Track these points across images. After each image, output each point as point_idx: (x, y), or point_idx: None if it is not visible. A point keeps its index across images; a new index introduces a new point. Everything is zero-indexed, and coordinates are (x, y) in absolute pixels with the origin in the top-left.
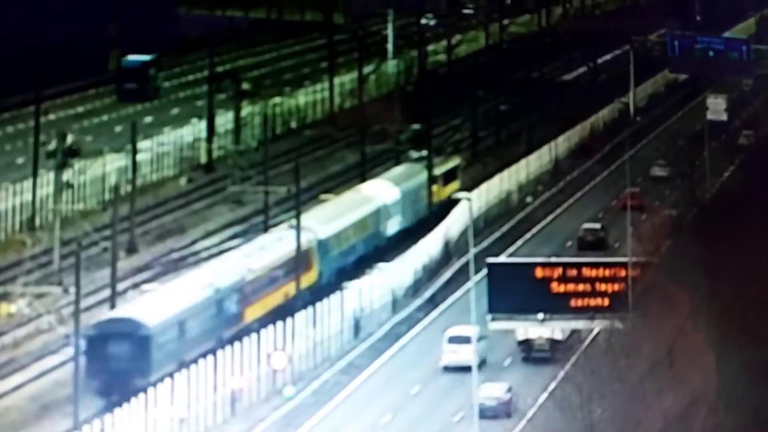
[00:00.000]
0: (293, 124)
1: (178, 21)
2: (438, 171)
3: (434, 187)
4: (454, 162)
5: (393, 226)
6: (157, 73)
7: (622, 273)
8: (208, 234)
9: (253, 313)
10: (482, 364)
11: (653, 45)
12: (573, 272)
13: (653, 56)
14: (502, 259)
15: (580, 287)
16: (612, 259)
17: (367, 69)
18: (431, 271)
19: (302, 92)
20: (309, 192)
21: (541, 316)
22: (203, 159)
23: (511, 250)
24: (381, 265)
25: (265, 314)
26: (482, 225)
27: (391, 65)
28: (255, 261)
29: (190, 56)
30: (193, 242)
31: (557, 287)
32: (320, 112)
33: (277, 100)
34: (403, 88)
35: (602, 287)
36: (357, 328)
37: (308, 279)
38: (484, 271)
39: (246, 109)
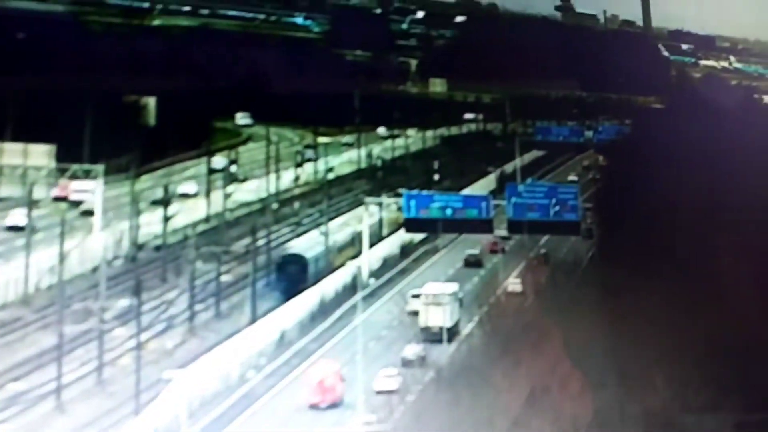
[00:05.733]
0: None
1: None
2: None
3: None
4: None
5: None
6: None
7: None
8: None
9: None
10: None
11: (389, 206)
12: None
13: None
14: None
15: None
16: None
17: (70, 244)
18: None
19: None
20: None
21: None
22: None
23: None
24: None
25: None
26: (197, 405)
27: (98, 238)
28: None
29: None
30: None
31: None
32: (12, 293)
33: None
34: (110, 263)
35: None
36: None
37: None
38: None
39: None
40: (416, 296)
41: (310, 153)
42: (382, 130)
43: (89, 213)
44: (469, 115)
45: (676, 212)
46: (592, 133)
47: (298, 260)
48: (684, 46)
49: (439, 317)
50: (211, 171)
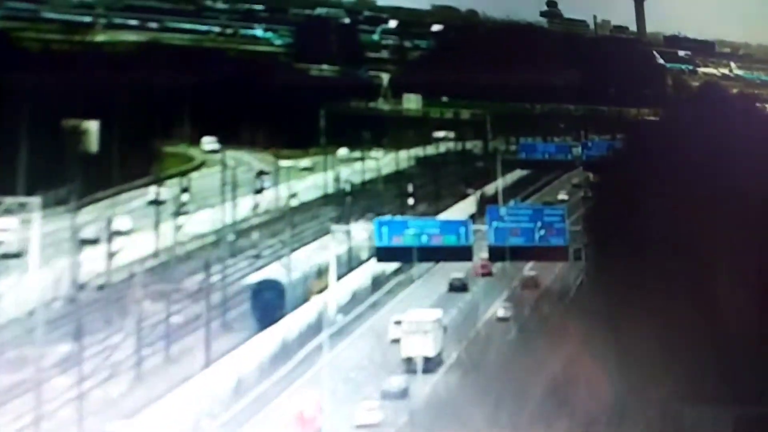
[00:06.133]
0: None
1: None
2: None
3: None
4: None
5: None
6: None
7: None
8: None
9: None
10: None
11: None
12: None
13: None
14: None
15: None
16: None
17: (3, 284)
18: None
19: None
20: None
21: None
22: None
23: None
24: None
25: None
26: None
27: (34, 278)
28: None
29: None
30: None
31: None
32: None
33: None
34: (48, 305)
35: None
36: None
37: None
38: None
39: None
40: (398, 323)
41: (265, 180)
42: (343, 152)
43: (9, 256)
44: (440, 133)
45: (673, 231)
46: (580, 150)
47: (274, 286)
48: (681, 53)
49: (421, 346)
50: (157, 203)
